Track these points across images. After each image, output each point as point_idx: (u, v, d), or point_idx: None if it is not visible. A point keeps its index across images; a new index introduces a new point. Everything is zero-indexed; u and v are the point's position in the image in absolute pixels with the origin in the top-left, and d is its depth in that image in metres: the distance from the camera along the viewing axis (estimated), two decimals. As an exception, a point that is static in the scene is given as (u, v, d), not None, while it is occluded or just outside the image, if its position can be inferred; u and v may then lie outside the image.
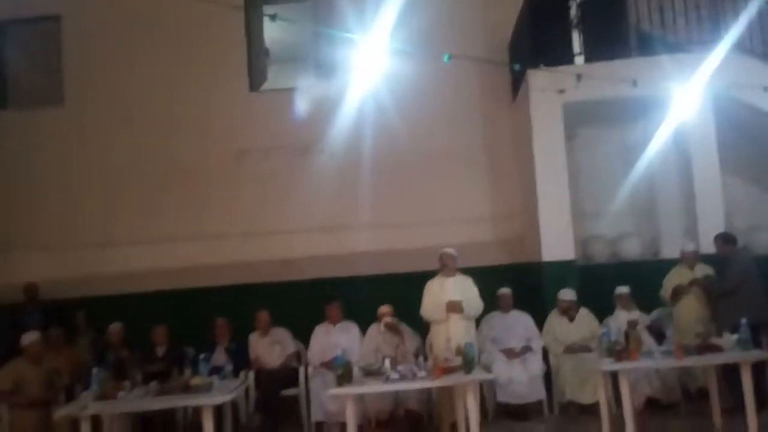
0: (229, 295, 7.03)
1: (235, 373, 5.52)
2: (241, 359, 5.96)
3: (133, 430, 5.56)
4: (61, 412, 4.60)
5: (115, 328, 6.22)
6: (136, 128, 7.79)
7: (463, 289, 5.41)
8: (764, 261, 6.12)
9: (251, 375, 5.88)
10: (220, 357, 5.97)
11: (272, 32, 7.95)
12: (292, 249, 7.49)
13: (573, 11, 7.24)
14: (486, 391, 5.65)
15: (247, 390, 5.70)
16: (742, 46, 6.51)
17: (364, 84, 6.65)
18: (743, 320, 4.82)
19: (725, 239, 5.84)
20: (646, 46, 6.97)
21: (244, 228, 7.59)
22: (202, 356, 5.20)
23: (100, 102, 7.81)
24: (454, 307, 5.28)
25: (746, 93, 6.17)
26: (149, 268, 7.40)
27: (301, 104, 7.50)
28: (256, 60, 8.13)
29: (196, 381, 4.79)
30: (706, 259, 6.08)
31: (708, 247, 6.08)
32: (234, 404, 5.44)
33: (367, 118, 7.37)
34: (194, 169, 7.71)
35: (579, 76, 5.64)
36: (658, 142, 6.96)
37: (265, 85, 8.14)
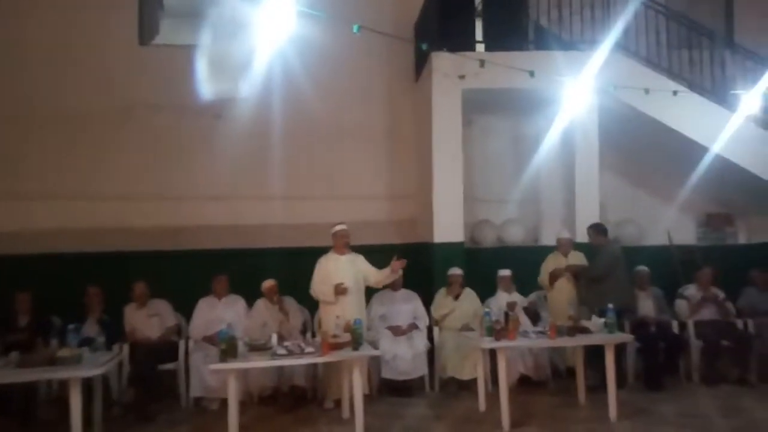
0: (104, 262, 6.55)
1: (108, 346, 5.17)
2: (114, 331, 5.60)
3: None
4: None
5: (-32, 292, 5.59)
6: (25, 73, 7.05)
7: (356, 268, 5.40)
8: (631, 252, 6.66)
9: (126, 348, 5.55)
10: (91, 328, 5.56)
11: (168, -17, 7.43)
12: (178, 217, 7.14)
13: (477, -1, 7.39)
14: (371, 367, 5.70)
15: (120, 364, 5.36)
16: (628, 49, 6.97)
17: (267, 46, 6.36)
18: (609, 305, 5.21)
19: (597, 230, 6.26)
20: (542, 41, 7.28)
21: (125, 189, 7.12)
22: (71, 327, 4.82)
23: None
24: (342, 291, 5.26)
25: (628, 93, 6.58)
26: (13, 229, 6.72)
27: (198, 63, 7.07)
28: (149, 12, 7.56)
29: (63, 353, 4.42)
30: (580, 247, 6.51)
31: (582, 236, 6.51)
32: (105, 378, 5.09)
33: (271, 83, 7.10)
34: (73, 120, 7.08)
35: (482, 62, 5.74)
36: (546, 135, 7.31)
37: (158, 39, 7.59)
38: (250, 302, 5.99)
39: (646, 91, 6.50)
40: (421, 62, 7.24)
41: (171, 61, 7.23)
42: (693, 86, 7.04)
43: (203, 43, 7.18)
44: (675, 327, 6.27)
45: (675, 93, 6.64)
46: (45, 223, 6.83)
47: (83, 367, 4.33)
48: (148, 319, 5.83)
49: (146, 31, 7.51)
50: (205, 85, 7.05)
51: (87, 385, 4.57)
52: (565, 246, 6.43)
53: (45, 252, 6.56)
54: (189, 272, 6.38)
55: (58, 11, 7.14)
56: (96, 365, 4.38)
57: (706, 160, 6.97)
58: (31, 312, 5.53)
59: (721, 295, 6.41)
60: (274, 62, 6.92)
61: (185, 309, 6.00)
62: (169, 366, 5.61)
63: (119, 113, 7.17)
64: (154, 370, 5.44)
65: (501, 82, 6.48)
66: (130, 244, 6.80)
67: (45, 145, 7.05)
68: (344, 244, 5.44)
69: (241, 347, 4.66)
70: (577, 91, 6.54)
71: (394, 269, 5.30)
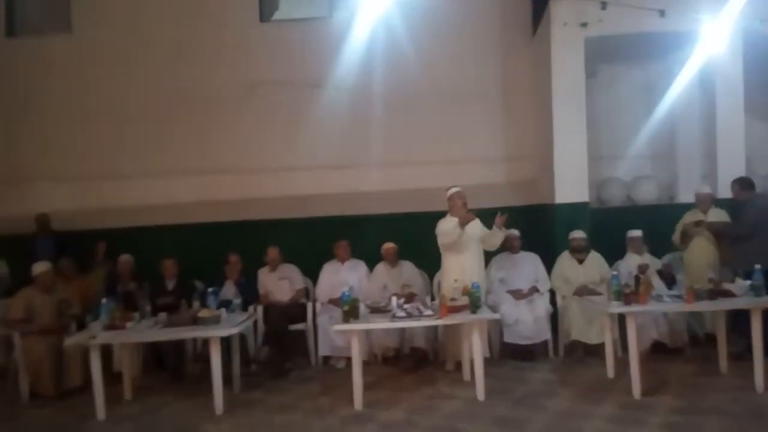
0: (238, 230, 7.06)
1: (244, 308, 5.58)
2: (250, 294, 6.01)
3: (144, 360, 5.69)
4: (70, 341, 4.72)
5: (124, 259, 6.28)
6: (146, 57, 7.61)
7: (475, 229, 5.32)
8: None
9: (260, 309, 5.95)
10: (229, 291, 6.02)
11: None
12: (303, 186, 7.44)
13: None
14: (492, 331, 5.67)
15: (255, 324, 5.77)
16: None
17: (376, 12, 6.37)
18: (757, 266, 4.72)
19: (743, 184, 5.68)
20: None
21: (254, 163, 7.51)
22: (211, 290, 5.24)
23: (109, 30, 7.62)
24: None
25: (779, 29, 5.84)
26: (160, 202, 7.41)
27: (313, 35, 7.23)
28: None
29: (203, 313, 4.83)
30: (722, 203, 5.94)
31: (725, 191, 5.94)
32: (242, 337, 5.51)
33: (380, 51, 7.12)
34: (204, 100, 7.55)
35: (604, 4, 5.31)
36: (682, 81, 6.70)
37: (276, 15, 7.85)
38: (371, 267, 6.18)
39: (803, 24, 5.71)
40: (538, 13, 6.87)
41: (290, 36, 7.46)
42: None
43: (318, 16, 7.31)
44: (837, 290, 5.56)
45: (839, 23, 5.77)
46: (186, 197, 7.43)
47: (222, 326, 4.71)
48: (279, 282, 6.19)
49: (266, 7, 7.79)
50: (320, 56, 7.21)
51: (226, 343, 4.96)
52: (704, 202, 5.89)
53: (188, 222, 7.17)
54: (314, 238, 6.67)
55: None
56: (233, 325, 4.74)
57: None
58: (177, 276, 6.09)
59: None
60: (379, 28, 6.89)
61: (312, 273, 6.31)
62: (299, 326, 5.94)
63: (244, 90, 7.53)
64: (286, 330, 5.79)
65: (627, 26, 6.01)
66: (259, 213, 7.21)
67: (179, 125, 7.58)
68: (462, 205, 5.32)
69: (362, 309, 4.81)
70: (717, 29, 5.87)
71: (498, 226, 5.18)
